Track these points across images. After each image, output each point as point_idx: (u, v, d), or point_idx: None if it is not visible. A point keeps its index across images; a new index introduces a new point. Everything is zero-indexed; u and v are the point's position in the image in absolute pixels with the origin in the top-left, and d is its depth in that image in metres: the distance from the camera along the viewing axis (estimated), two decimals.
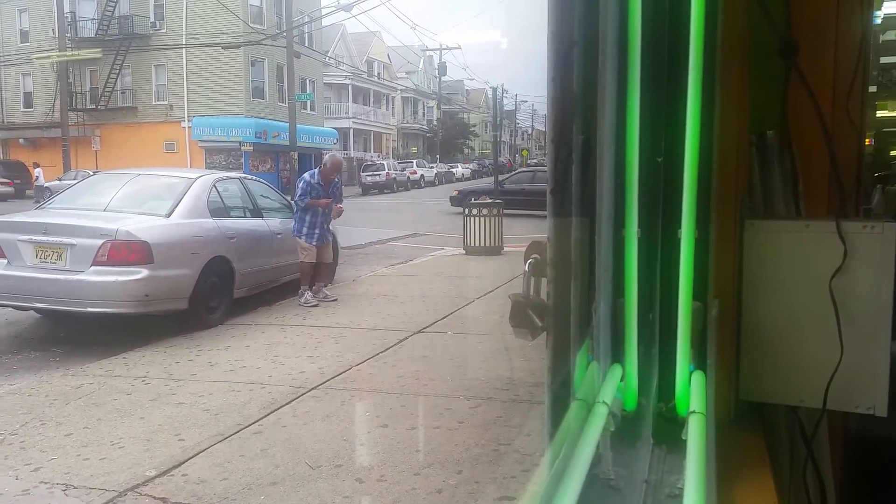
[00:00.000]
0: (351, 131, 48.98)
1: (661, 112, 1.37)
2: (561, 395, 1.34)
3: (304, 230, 8.15)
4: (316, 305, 7.98)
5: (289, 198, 9.40)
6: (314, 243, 8.15)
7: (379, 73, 55.29)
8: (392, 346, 6.08)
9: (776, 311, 1.44)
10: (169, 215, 7.01)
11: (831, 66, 1.68)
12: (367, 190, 37.93)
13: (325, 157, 8.70)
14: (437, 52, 56.22)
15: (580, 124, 1.43)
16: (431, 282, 9.77)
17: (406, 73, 60.29)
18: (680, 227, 1.30)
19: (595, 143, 1.39)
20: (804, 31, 1.58)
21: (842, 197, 1.63)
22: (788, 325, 1.44)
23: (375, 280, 10.12)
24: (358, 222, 16.98)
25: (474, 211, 12.67)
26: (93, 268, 6.30)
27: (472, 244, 12.60)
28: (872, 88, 2.35)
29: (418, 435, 4.18)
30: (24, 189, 30.54)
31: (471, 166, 56.02)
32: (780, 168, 1.62)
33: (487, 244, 12.51)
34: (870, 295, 1.38)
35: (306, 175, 8.42)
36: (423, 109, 65.93)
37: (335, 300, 8.28)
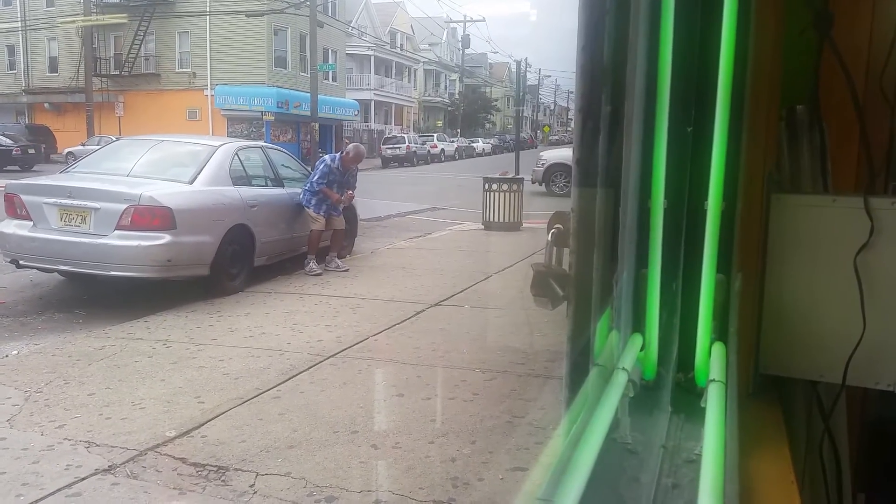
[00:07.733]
0: (372, 103, 48.84)
1: (692, 82, 1.36)
2: (580, 362, 1.35)
3: (314, 201, 8.26)
4: (320, 275, 8.03)
5: (309, 168, 9.41)
6: (322, 214, 8.24)
7: (402, 45, 54.92)
8: (409, 318, 6.12)
9: (799, 286, 1.43)
10: (192, 182, 7.05)
11: (866, 41, 1.65)
12: (387, 163, 37.92)
13: (349, 146, 8.80)
14: (462, 24, 55.78)
15: (609, 94, 1.43)
16: (450, 255, 9.78)
17: (429, 45, 59.86)
18: (706, 198, 1.29)
19: (623, 114, 1.39)
20: (840, 4, 1.55)
21: (871, 173, 1.61)
22: (811, 299, 1.43)
23: (394, 252, 10.14)
24: (377, 195, 17.01)
25: (494, 186, 12.63)
26: (116, 232, 6.37)
27: (492, 219, 12.57)
28: None
29: (433, 405, 4.22)
30: (48, 153, 30.80)
31: (492, 141, 55.65)
32: (809, 143, 1.60)
33: (507, 219, 12.48)
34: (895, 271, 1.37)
35: (328, 158, 8.50)
36: (446, 82, 65.48)
37: (346, 270, 8.33)
